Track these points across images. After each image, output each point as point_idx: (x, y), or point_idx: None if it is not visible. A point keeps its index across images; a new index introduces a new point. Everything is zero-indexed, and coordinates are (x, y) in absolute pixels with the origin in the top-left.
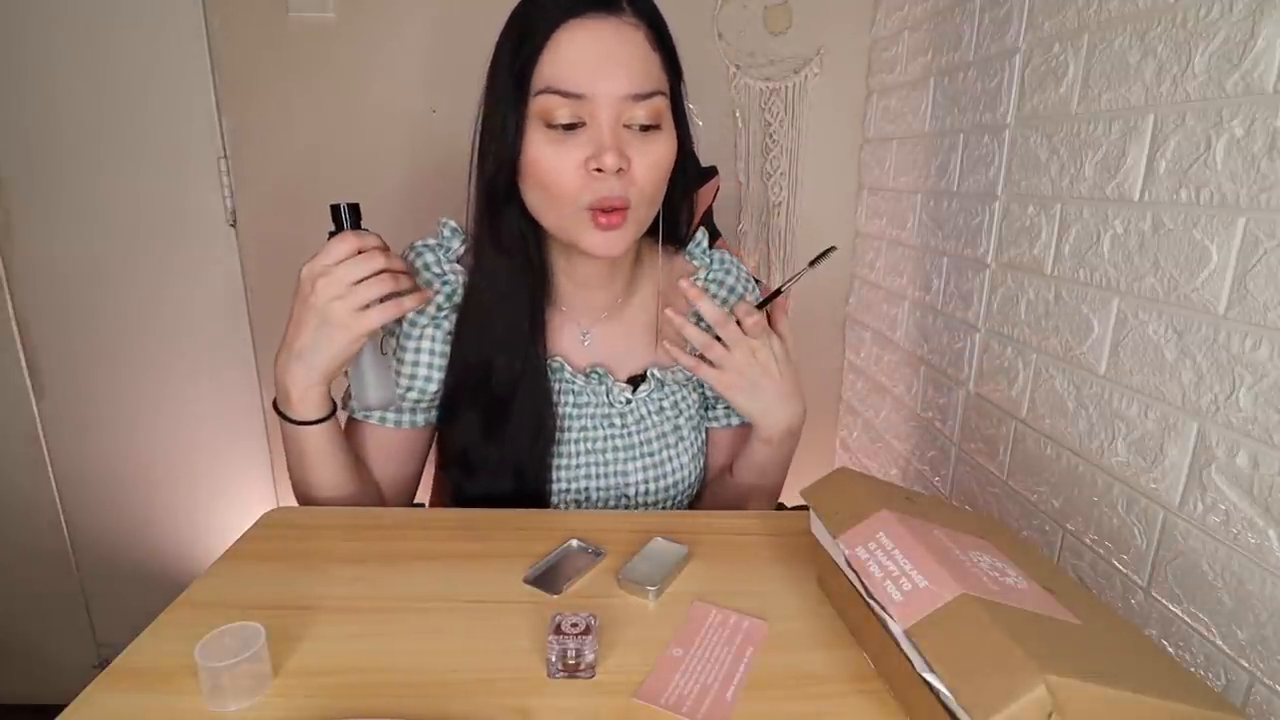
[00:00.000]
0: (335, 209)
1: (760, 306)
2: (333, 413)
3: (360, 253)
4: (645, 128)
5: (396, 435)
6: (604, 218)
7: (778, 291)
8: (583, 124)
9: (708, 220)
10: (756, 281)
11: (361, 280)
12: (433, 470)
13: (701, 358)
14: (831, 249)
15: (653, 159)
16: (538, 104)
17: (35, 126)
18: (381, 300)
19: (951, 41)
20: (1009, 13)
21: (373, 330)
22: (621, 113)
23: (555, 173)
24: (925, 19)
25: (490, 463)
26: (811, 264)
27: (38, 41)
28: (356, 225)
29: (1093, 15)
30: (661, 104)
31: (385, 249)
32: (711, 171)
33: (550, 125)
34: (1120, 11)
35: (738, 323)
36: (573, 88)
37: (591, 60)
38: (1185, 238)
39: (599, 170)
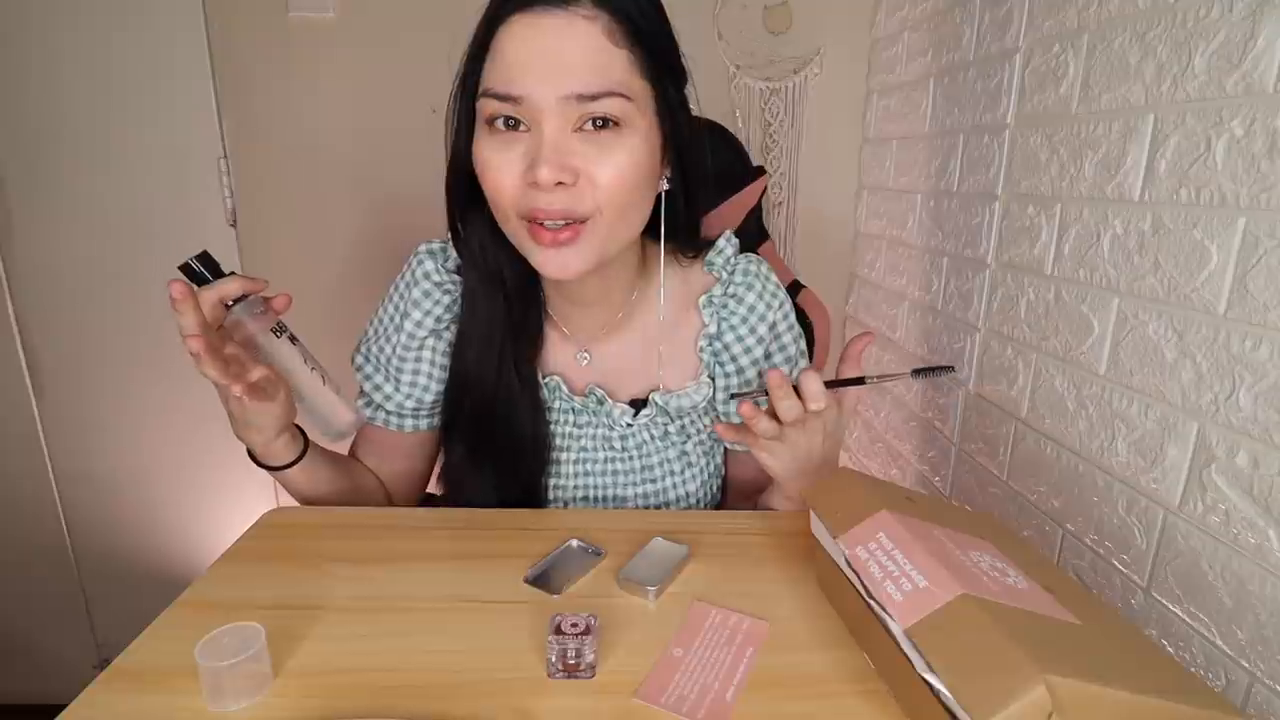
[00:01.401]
0: (185, 268)
1: (830, 385)
2: (304, 449)
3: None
4: (601, 127)
5: (398, 437)
6: (548, 235)
7: (860, 380)
8: (526, 129)
9: (756, 221)
10: (800, 285)
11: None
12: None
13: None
14: (949, 369)
15: (614, 168)
16: (480, 107)
17: (35, 126)
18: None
19: (951, 41)
20: (1009, 13)
21: (270, 393)
22: (567, 116)
23: (496, 179)
24: (925, 19)
25: (477, 480)
26: (914, 374)
27: (38, 41)
28: (215, 274)
29: (1093, 15)
30: (621, 106)
31: (245, 289)
32: (759, 171)
33: (491, 128)
34: (1120, 11)
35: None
36: (506, 89)
37: (526, 59)
38: (1185, 238)
39: (535, 184)
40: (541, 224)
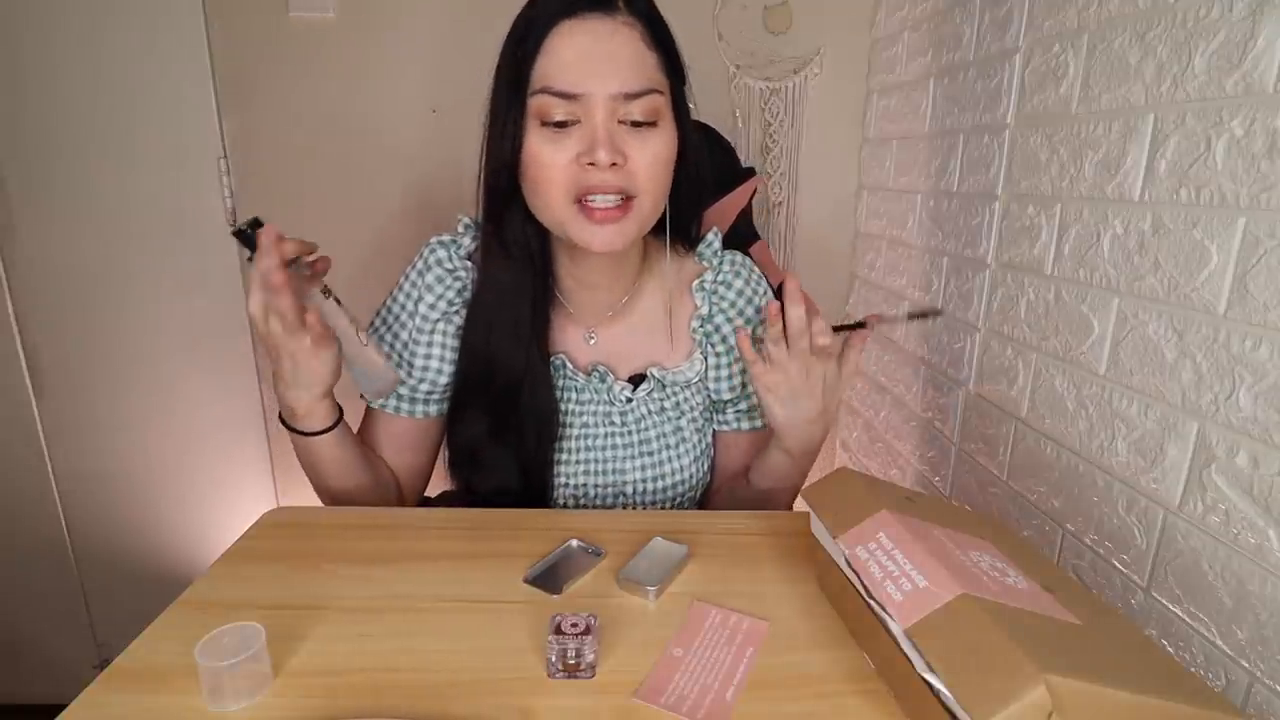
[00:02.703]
0: (240, 234)
1: (837, 329)
2: (340, 418)
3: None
4: (640, 124)
5: (410, 424)
6: (599, 213)
7: (860, 324)
8: (577, 122)
9: (746, 222)
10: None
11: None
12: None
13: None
14: (937, 312)
15: (652, 153)
16: (534, 104)
17: (35, 126)
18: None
19: (951, 41)
20: (1009, 13)
21: (325, 343)
22: (615, 110)
23: (548, 167)
24: (925, 19)
25: (496, 458)
26: (909, 317)
27: (38, 41)
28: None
29: (1093, 15)
30: (657, 101)
31: (299, 251)
32: (750, 172)
33: (545, 123)
34: (1120, 11)
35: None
36: (565, 87)
37: (583, 60)
38: (1185, 238)
39: (591, 164)
40: (594, 205)
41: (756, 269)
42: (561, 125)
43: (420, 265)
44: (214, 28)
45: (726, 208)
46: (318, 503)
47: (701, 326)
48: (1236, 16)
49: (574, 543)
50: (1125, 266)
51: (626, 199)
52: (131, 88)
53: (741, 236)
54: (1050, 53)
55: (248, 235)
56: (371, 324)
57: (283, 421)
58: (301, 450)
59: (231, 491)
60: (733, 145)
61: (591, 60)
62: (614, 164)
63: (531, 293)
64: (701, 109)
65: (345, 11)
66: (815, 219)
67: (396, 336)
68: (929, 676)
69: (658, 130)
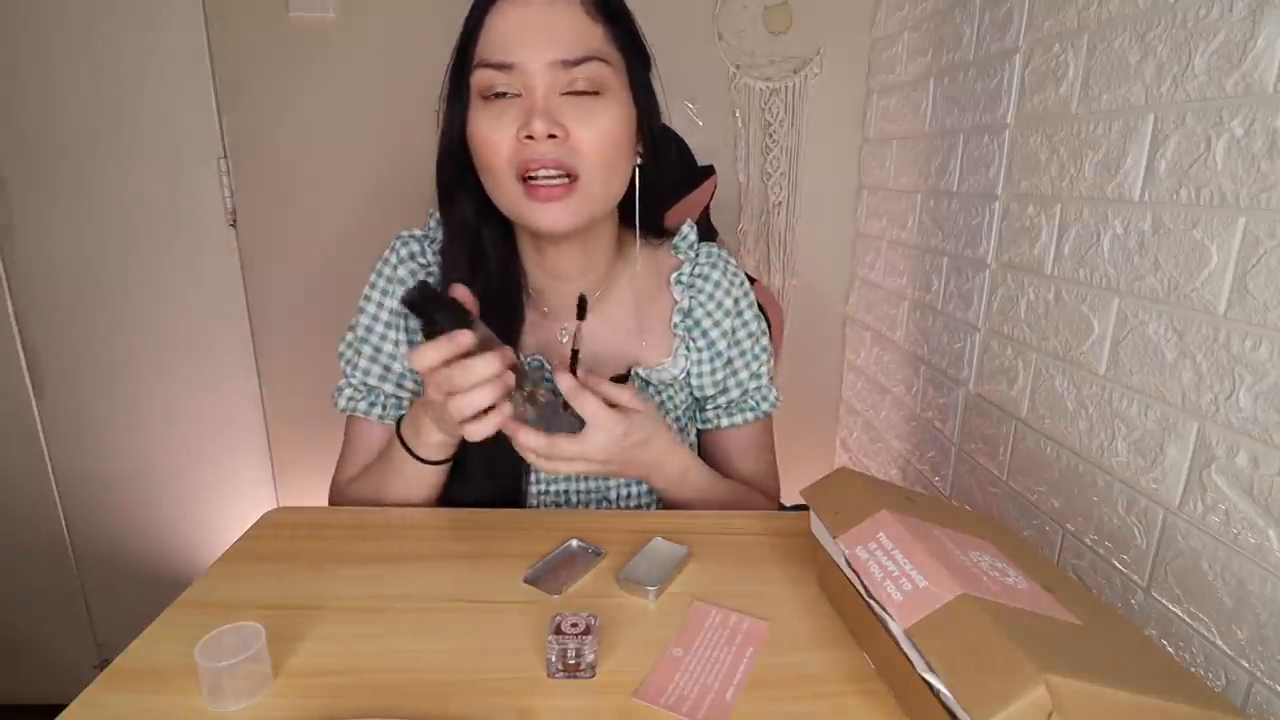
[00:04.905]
0: (424, 303)
1: (616, 380)
2: (453, 456)
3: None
4: (584, 93)
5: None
6: (543, 190)
7: (574, 353)
8: (518, 95)
9: (704, 219)
10: (751, 280)
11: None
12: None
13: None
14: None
15: (598, 127)
16: (474, 80)
17: (35, 126)
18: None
19: (951, 41)
20: (1009, 13)
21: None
22: (555, 81)
23: (489, 143)
24: (925, 19)
25: (475, 466)
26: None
27: (38, 41)
28: (463, 320)
29: (1093, 15)
30: (601, 70)
31: (504, 355)
32: (709, 170)
33: (485, 97)
34: (1120, 11)
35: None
36: (500, 58)
37: (519, 31)
38: (1185, 238)
39: (530, 138)
40: (536, 182)
41: (733, 261)
42: (500, 96)
43: (392, 259)
44: (214, 28)
45: (688, 206)
46: (318, 503)
47: (683, 321)
48: (1236, 16)
49: (574, 543)
50: (1125, 266)
51: (571, 179)
52: (131, 88)
53: (702, 235)
54: (1050, 53)
55: (437, 305)
56: (351, 329)
57: (400, 437)
58: (399, 468)
59: (231, 492)
60: (686, 143)
61: (527, 31)
62: (552, 136)
63: (486, 285)
64: (702, 109)
65: (345, 11)
66: (815, 219)
67: (368, 342)
68: (929, 676)
69: (603, 102)
